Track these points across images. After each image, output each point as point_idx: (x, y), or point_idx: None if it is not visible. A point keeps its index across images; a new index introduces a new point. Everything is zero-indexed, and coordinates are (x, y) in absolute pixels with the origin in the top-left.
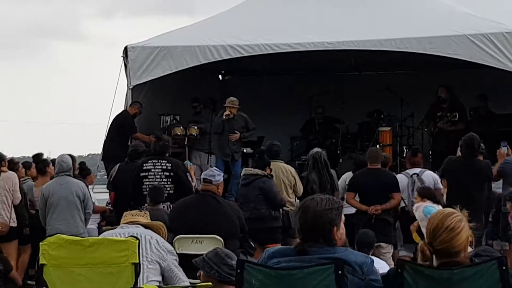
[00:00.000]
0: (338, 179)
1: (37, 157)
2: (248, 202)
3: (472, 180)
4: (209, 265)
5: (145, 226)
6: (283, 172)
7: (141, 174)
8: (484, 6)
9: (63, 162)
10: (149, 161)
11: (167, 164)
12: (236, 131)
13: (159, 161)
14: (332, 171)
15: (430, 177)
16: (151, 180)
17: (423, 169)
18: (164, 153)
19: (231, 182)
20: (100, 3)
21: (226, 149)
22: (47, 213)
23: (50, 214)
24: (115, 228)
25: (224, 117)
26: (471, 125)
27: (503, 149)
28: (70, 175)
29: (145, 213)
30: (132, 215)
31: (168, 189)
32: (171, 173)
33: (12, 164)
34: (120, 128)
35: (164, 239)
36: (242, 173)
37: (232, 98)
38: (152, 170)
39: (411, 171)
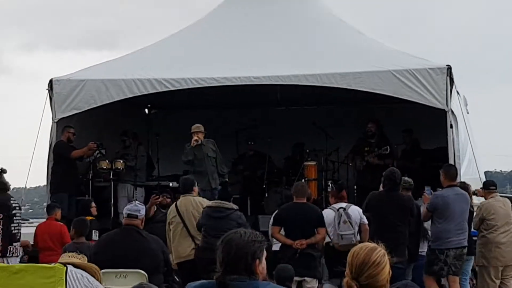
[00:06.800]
0: None
1: None
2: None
3: (395, 213)
4: None
5: (78, 266)
6: (193, 206)
7: None
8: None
9: None
10: None
11: None
12: (209, 156)
13: None
14: None
15: (356, 211)
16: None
17: (349, 204)
18: None
19: None
20: (21, 36)
21: (212, 175)
22: None
23: None
24: None
25: (192, 144)
26: (396, 159)
27: (427, 194)
28: None
29: (83, 257)
30: (69, 257)
31: None
32: None
33: None
34: (56, 158)
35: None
36: (211, 205)
37: (197, 124)
38: None
39: (337, 205)
